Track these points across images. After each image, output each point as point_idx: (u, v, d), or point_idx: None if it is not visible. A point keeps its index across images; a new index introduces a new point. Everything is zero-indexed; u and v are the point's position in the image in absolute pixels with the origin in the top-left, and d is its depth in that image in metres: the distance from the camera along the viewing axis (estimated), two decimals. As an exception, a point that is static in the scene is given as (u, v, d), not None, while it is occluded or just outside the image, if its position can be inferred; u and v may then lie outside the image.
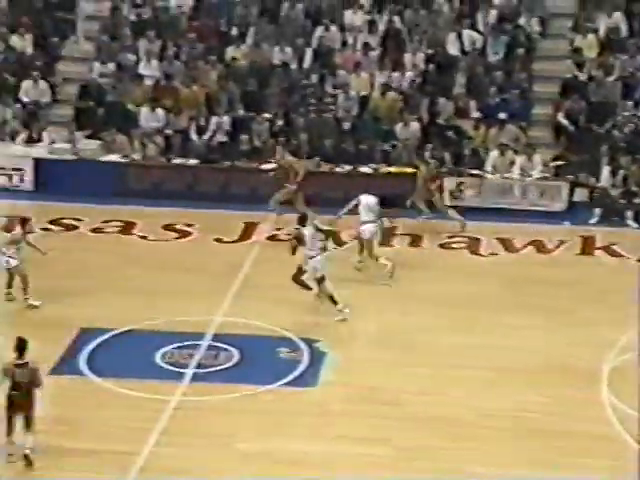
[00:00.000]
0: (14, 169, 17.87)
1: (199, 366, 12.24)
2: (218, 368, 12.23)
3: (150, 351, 12.47)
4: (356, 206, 14.94)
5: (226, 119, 18.48)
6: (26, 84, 19.00)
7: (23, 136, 18.35)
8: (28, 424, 10.35)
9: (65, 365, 12.17)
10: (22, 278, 13.61)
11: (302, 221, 13.87)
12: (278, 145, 17.31)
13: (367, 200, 14.85)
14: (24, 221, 13.87)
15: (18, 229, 13.84)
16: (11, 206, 16.88)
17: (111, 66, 19.30)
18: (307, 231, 13.69)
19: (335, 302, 13.49)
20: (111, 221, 16.70)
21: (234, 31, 19.75)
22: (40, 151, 18.13)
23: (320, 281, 13.54)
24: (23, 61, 19.39)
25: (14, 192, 17.68)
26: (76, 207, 16.97)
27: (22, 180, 17.88)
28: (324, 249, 13.68)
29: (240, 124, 18.46)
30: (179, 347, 12.56)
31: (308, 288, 13.74)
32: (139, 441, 10.66)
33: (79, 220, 16.68)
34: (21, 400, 10.29)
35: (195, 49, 19.39)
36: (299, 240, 13.65)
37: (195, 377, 12.03)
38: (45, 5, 20.29)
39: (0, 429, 10.38)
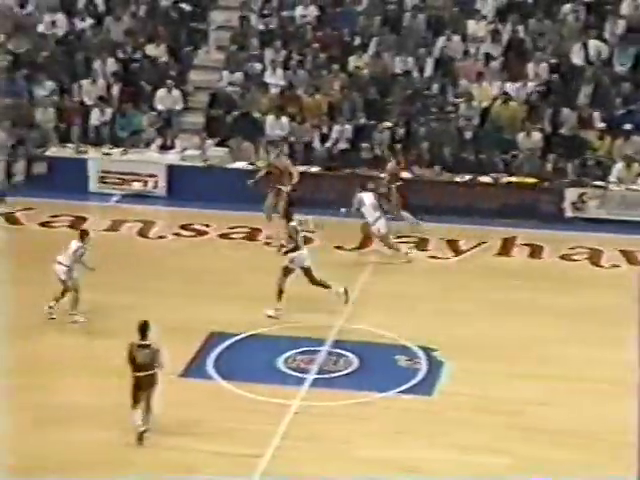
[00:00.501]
0: (149, 175, 18.47)
1: (319, 372, 12.61)
2: (338, 374, 12.57)
3: (273, 356, 12.92)
4: (358, 209, 15.40)
5: (348, 127, 18.78)
6: (160, 92, 19.56)
7: (157, 143, 19.04)
8: (148, 404, 10.88)
9: (194, 368, 12.67)
10: (74, 292, 13.43)
11: (289, 217, 14.23)
12: (277, 147, 17.34)
13: (368, 198, 15.40)
14: (83, 233, 13.61)
15: (77, 242, 13.44)
16: (146, 211, 17.66)
17: (239, 75, 19.79)
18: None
19: (280, 299, 13.72)
20: (238, 227, 17.27)
21: (357, 41, 20.01)
22: (172, 158, 18.72)
23: (285, 274, 13.83)
24: (158, 70, 20.05)
25: (148, 198, 18.31)
26: (205, 213, 17.53)
27: (156, 186, 18.43)
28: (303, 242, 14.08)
29: (362, 132, 18.75)
30: (300, 352, 12.97)
31: (326, 286, 13.91)
32: (261, 444, 11.06)
33: (208, 225, 17.30)
34: (144, 380, 10.81)
35: (319, 58, 19.73)
36: (291, 237, 14.01)
37: (315, 382, 12.40)
38: (180, 15, 20.93)
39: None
